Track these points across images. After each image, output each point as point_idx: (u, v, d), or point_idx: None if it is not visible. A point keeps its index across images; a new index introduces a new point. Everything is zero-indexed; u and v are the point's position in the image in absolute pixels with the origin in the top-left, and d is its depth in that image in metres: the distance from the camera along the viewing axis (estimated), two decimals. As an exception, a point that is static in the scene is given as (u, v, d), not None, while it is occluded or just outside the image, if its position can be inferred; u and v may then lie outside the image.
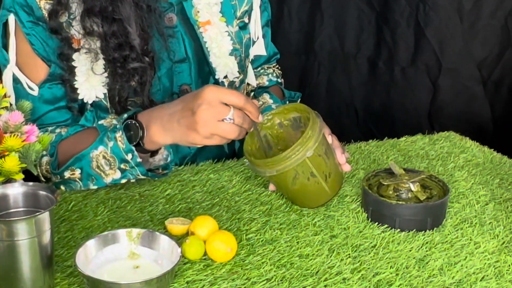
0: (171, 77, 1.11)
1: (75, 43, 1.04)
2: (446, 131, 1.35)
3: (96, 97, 1.06)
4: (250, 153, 0.97)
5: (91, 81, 1.05)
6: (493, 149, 1.26)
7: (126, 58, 1.02)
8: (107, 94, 1.06)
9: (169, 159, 1.02)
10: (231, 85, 1.18)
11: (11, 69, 1.04)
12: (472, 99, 1.83)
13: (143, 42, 1.03)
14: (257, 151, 0.99)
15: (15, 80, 1.05)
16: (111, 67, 1.03)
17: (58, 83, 1.06)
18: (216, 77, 1.15)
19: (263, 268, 0.83)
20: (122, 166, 0.98)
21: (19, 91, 1.05)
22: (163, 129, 0.94)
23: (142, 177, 1.00)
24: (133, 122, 0.97)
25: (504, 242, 0.91)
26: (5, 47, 1.04)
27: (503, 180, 1.12)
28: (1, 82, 1.02)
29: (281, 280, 0.81)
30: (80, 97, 1.06)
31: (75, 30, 1.03)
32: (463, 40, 1.78)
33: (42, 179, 1.06)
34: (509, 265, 0.86)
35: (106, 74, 1.04)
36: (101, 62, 1.04)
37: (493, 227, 0.95)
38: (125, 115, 0.99)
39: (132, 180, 1.01)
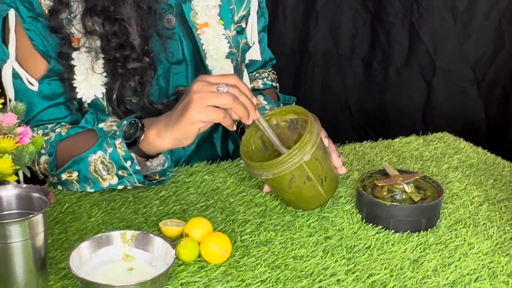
0: (167, 79, 1.11)
1: (75, 42, 1.04)
2: (440, 132, 1.35)
3: (95, 96, 1.06)
4: (246, 154, 0.97)
5: (90, 80, 1.05)
6: (487, 150, 1.26)
7: (127, 58, 1.03)
8: (105, 94, 1.06)
9: (166, 164, 1.02)
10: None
11: (10, 64, 1.04)
12: (466, 99, 1.84)
13: (143, 43, 1.03)
14: (253, 152, 0.99)
15: (15, 75, 1.05)
16: (111, 66, 1.03)
17: (57, 79, 1.07)
18: None
19: (258, 269, 0.83)
20: (120, 172, 0.98)
21: (19, 86, 1.05)
22: (164, 127, 0.95)
23: (139, 184, 1.00)
24: (136, 121, 0.97)
25: (498, 243, 0.91)
26: (5, 42, 1.04)
27: (497, 181, 1.12)
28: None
29: (275, 282, 0.81)
30: (78, 96, 1.06)
31: (76, 29, 1.04)
32: (457, 41, 1.79)
33: (41, 176, 1.06)
34: (503, 266, 0.86)
35: (105, 74, 1.04)
36: (101, 62, 1.04)
37: (487, 228, 0.96)
38: (125, 122, 0.99)
39: (128, 187, 1.01)
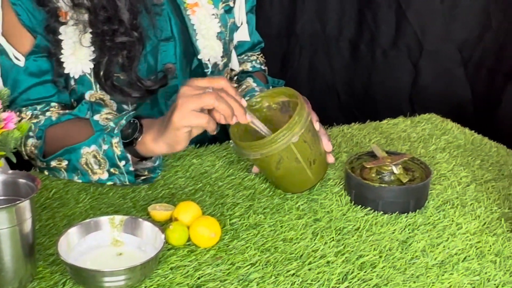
0: (156, 55, 1.11)
1: (62, 16, 1.03)
2: (427, 113, 1.36)
3: (83, 71, 1.05)
4: (236, 135, 0.96)
5: (77, 55, 1.04)
6: (474, 131, 1.27)
7: (115, 32, 1.02)
8: (93, 70, 1.05)
9: (157, 162, 1.01)
10: (215, 67, 1.18)
11: None
12: (452, 81, 1.84)
13: (132, 17, 1.02)
14: (243, 134, 0.99)
15: (0, 52, 1.04)
16: (99, 40, 1.02)
17: (44, 56, 1.05)
18: (200, 57, 1.14)
19: (247, 252, 0.83)
20: (112, 170, 0.97)
21: (4, 63, 1.04)
22: (158, 133, 0.93)
23: (128, 183, 0.99)
24: (135, 121, 0.96)
25: (485, 223, 0.92)
26: None
27: (484, 161, 1.13)
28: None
29: (265, 265, 0.81)
30: (66, 71, 1.05)
31: (63, 2, 1.02)
32: (443, 22, 1.79)
33: (25, 157, 1.05)
34: (490, 246, 0.87)
35: (93, 48, 1.03)
36: (88, 35, 1.03)
37: (474, 208, 0.96)
38: (123, 120, 0.97)
39: (118, 184, 0.99)
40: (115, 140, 0.95)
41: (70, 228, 0.80)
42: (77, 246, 0.79)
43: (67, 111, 1.07)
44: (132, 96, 1.07)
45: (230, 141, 0.96)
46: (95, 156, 0.97)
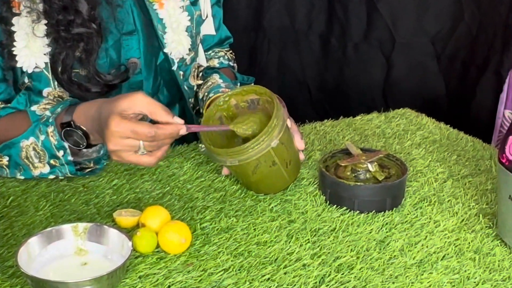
0: (118, 50, 1.09)
1: (15, 6, 1.01)
2: (401, 108, 1.37)
3: (36, 66, 1.03)
4: (206, 138, 0.96)
5: (31, 47, 1.02)
6: (449, 125, 1.29)
7: (71, 22, 1.00)
8: (49, 64, 1.03)
9: (102, 151, 1.00)
10: (182, 61, 1.17)
11: None
12: (426, 74, 1.87)
13: (90, 7, 1.01)
14: (213, 135, 0.98)
15: None
16: (54, 31, 1.01)
17: None
18: (166, 50, 1.13)
19: (220, 258, 0.83)
20: (51, 161, 0.97)
21: None
22: (100, 136, 0.93)
23: (70, 175, 0.99)
24: (75, 130, 0.95)
25: (463, 220, 0.94)
26: None
27: (460, 156, 1.15)
28: None
29: (239, 270, 0.81)
30: (18, 64, 1.03)
31: None
32: (416, 14, 1.81)
33: None
34: (469, 243, 0.88)
35: (47, 41, 1.02)
36: (43, 27, 1.01)
37: (452, 204, 0.98)
38: (59, 109, 0.97)
39: (60, 177, 0.99)
40: (50, 128, 0.95)
41: (30, 237, 0.78)
42: (39, 257, 0.78)
43: (3, 105, 1.05)
44: (91, 91, 1.05)
45: (200, 143, 0.96)
46: (34, 149, 0.97)
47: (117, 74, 1.08)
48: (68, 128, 0.95)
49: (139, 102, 0.89)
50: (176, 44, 1.14)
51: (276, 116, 0.90)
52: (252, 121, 0.95)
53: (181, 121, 0.91)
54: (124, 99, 0.89)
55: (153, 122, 0.90)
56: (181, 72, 1.18)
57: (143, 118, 0.91)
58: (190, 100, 1.23)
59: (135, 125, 0.87)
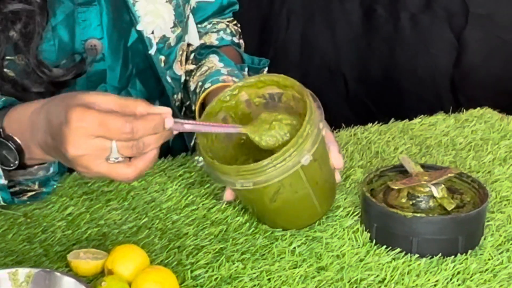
0: (71, 27, 1.11)
1: None
2: (478, 108, 1.38)
3: None
4: (206, 148, 0.96)
5: None
6: (548, 132, 1.30)
7: None
8: None
9: (51, 170, 1.01)
10: (164, 43, 1.18)
11: None
12: (512, 58, 1.88)
13: None
14: (213, 144, 0.97)
15: None
16: None
17: None
18: (140, 28, 1.14)
19: (220, 320, 0.84)
20: None
21: None
22: (43, 152, 0.93)
23: (3, 203, 0.99)
24: (4, 141, 0.95)
25: None
26: None
27: None
28: None
29: (247, 338, 0.81)
30: None
31: None
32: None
33: None
34: None
35: None
36: None
37: (552, 246, 0.98)
38: None
39: None
40: None
41: (-50, 288, 0.79)
42: (-38, 316, 0.79)
43: None
44: (30, 91, 1.06)
45: (197, 156, 0.95)
46: None
47: (69, 67, 1.09)
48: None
49: (106, 96, 0.88)
50: (153, 17, 1.15)
51: (309, 121, 0.90)
52: (276, 125, 0.94)
53: (167, 109, 0.88)
54: (84, 92, 0.90)
55: None
56: (162, 57, 1.19)
57: None
58: (175, 96, 1.24)
59: (105, 117, 0.84)
